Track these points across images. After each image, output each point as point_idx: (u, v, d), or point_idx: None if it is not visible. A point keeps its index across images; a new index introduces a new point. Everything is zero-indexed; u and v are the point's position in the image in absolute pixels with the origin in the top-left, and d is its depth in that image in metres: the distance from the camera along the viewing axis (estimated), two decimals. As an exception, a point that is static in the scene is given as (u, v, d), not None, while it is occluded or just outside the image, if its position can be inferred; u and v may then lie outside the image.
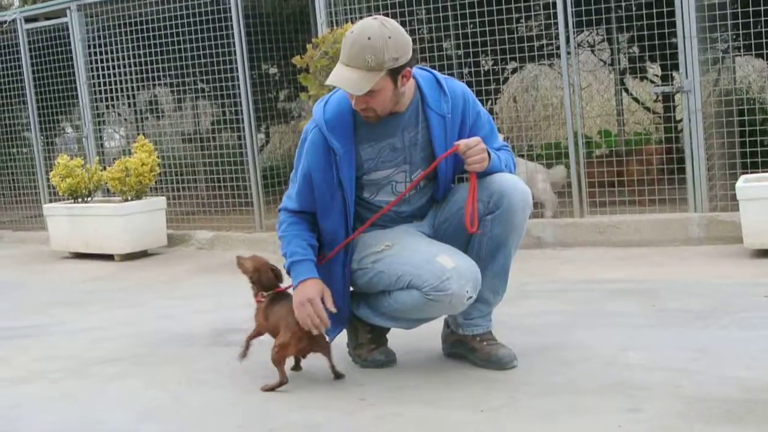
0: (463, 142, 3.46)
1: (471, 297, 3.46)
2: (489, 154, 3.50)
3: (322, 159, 3.54)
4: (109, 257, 7.77)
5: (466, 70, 8.36)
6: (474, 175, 3.51)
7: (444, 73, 3.70)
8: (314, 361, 3.77)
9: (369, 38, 3.29)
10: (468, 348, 3.73)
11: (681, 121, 6.54)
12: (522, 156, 7.15)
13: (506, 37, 6.75)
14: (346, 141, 3.52)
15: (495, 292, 3.69)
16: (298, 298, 3.52)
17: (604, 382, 3.37)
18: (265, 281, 3.75)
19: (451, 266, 3.41)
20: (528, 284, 5.24)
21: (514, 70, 9.95)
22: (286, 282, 3.72)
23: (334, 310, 3.53)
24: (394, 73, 3.35)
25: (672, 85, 7.04)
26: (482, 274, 3.53)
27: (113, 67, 8.71)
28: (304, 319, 3.50)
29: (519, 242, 3.66)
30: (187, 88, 9.27)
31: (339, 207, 3.57)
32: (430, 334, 3.95)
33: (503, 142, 3.77)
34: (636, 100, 9.28)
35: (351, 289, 3.75)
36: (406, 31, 3.43)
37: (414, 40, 3.49)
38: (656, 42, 6.37)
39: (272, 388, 3.59)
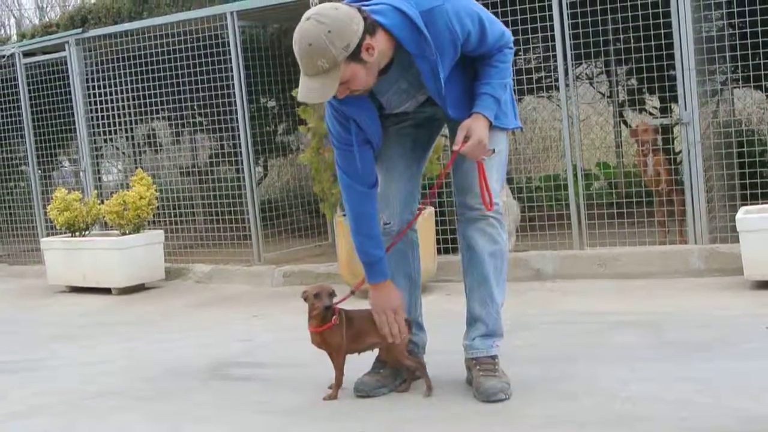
0: (459, 151, 3.49)
1: (388, 223, 3.78)
2: (488, 117, 3.52)
3: (339, 126, 3.62)
4: (106, 291, 7.74)
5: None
6: (481, 163, 3.58)
7: None
8: (317, 394, 3.74)
9: (310, 44, 3.21)
10: (471, 376, 3.73)
11: (680, 152, 6.53)
12: (521, 188, 7.14)
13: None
14: (362, 105, 3.54)
15: (483, 304, 3.73)
16: (379, 304, 3.65)
17: (607, 415, 3.33)
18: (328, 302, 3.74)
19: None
20: (528, 316, 5.21)
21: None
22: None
23: (405, 317, 3.68)
24: (354, 57, 3.26)
25: (671, 117, 7.05)
26: (469, 287, 3.78)
27: (111, 101, 8.72)
28: (383, 325, 3.64)
29: (493, 248, 3.70)
30: (185, 121, 9.27)
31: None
32: (430, 366, 3.93)
33: (498, 34, 3.53)
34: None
35: None
36: None
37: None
38: (655, 74, 6.38)
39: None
